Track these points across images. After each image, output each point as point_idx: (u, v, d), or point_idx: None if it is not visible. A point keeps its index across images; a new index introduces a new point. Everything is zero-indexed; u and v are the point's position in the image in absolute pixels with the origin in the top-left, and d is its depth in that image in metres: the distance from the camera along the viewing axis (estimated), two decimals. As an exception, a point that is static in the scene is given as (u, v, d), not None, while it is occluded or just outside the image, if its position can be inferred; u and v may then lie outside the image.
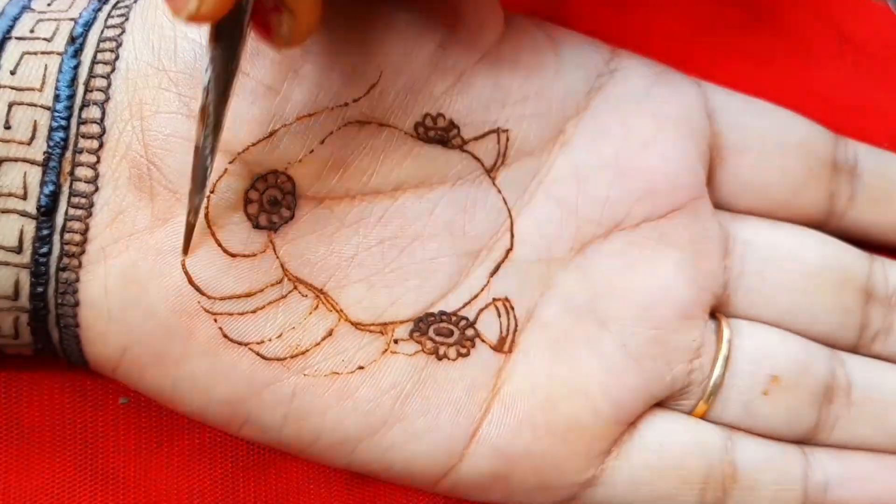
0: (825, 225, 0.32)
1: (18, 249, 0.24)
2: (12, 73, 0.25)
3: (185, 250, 0.25)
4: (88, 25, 0.25)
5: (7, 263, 0.24)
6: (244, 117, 0.24)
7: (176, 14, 0.20)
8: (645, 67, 0.30)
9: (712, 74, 0.32)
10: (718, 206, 0.31)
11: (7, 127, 0.24)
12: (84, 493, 0.28)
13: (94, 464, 0.29)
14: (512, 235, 0.28)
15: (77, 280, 0.25)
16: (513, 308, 0.28)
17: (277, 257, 0.25)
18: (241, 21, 0.22)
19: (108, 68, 0.25)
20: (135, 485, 0.29)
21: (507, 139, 0.28)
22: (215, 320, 0.25)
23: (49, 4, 0.26)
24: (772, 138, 0.31)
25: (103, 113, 0.24)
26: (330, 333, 0.26)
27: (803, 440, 0.30)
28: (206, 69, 0.22)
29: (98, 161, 0.24)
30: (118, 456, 0.29)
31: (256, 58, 0.24)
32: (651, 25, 0.34)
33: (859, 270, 0.31)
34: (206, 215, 0.24)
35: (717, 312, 0.30)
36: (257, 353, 0.25)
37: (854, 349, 0.31)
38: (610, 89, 0.29)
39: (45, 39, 0.25)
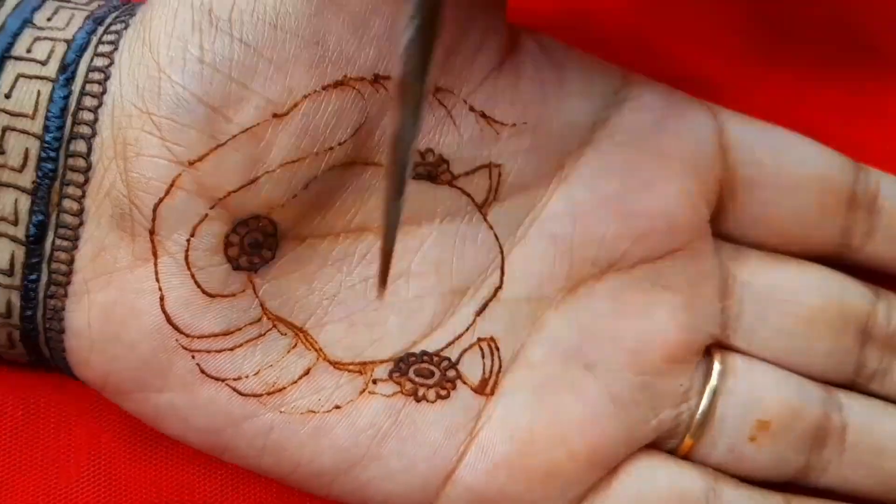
0: (841, 259, 0.31)
1: (10, 272, 0.25)
2: (7, 96, 0.25)
3: (383, 282, 0.20)
4: (81, 51, 0.25)
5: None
6: (226, 163, 0.24)
7: None
8: (657, 98, 0.28)
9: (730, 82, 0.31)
10: (726, 237, 0.30)
11: (2, 152, 0.24)
12: (86, 495, 0.29)
13: (97, 464, 0.29)
14: (502, 273, 0.27)
15: (63, 308, 0.25)
16: (498, 349, 0.27)
17: (257, 297, 0.25)
18: None
19: (95, 101, 0.24)
20: (135, 486, 0.29)
21: (500, 175, 0.27)
22: (193, 357, 0.25)
23: (49, 19, 0.26)
24: (787, 174, 0.30)
25: (89, 148, 0.24)
26: (307, 372, 0.26)
27: (792, 481, 0.30)
28: (406, 28, 0.17)
29: (83, 195, 0.25)
30: (121, 457, 0.29)
31: (240, 104, 0.24)
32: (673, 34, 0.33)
33: (861, 310, 0.30)
34: (186, 258, 0.25)
35: (713, 348, 0.29)
36: (234, 389, 0.25)
37: (851, 387, 0.30)
38: (617, 122, 0.28)
39: (39, 63, 0.25)
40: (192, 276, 0.25)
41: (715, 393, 0.29)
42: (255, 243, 0.25)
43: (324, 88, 0.24)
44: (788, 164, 0.29)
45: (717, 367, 0.29)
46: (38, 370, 0.29)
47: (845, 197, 0.30)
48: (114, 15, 0.26)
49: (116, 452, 0.29)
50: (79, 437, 0.29)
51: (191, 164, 0.24)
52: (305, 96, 0.24)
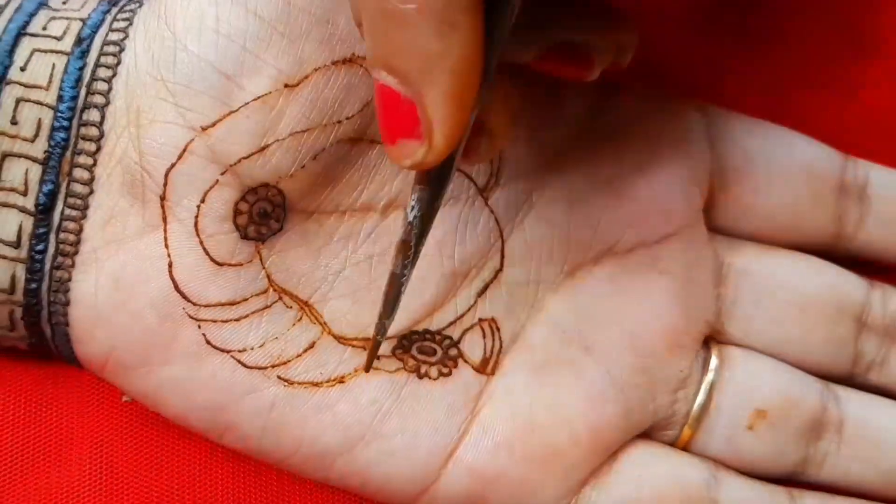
0: (834, 248, 0.31)
1: (17, 244, 0.25)
2: (22, 69, 0.25)
3: (367, 367, 0.26)
4: (96, 27, 0.26)
5: (5, 257, 0.25)
6: (238, 130, 0.24)
7: (397, 161, 0.21)
8: (644, 92, 0.30)
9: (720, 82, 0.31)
10: (720, 230, 0.31)
11: (14, 122, 0.25)
12: (87, 492, 0.29)
13: (98, 462, 0.29)
14: (502, 256, 0.28)
15: (69, 279, 0.25)
16: (499, 329, 0.28)
17: (264, 268, 0.26)
18: (452, 164, 0.22)
19: (109, 72, 0.25)
20: (137, 483, 0.29)
21: (500, 160, 0.28)
22: (199, 326, 0.25)
23: (64, 2, 0.27)
24: (775, 163, 0.30)
25: (102, 117, 0.25)
26: (312, 345, 0.26)
27: (791, 476, 0.30)
28: (412, 206, 0.23)
29: (95, 164, 0.25)
30: (122, 454, 0.29)
31: (253, 73, 0.24)
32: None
33: (856, 300, 0.30)
34: (196, 224, 0.25)
35: (710, 339, 0.30)
36: (238, 361, 0.25)
37: (850, 378, 0.31)
38: (609, 111, 0.29)
39: (55, 38, 0.26)
40: (201, 242, 0.25)
41: (712, 383, 0.29)
42: (263, 213, 0.25)
43: (333, 64, 0.25)
44: (777, 153, 0.30)
45: (714, 357, 0.29)
46: (39, 365, 0.29)
47: (835, 185, 0.31)
48: None
49: (118, 450, 0.29)
50: (80, 434, 0.29)
51: (203, 129, 0.24)
52: (316, 69, 0.25)
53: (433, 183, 0.22)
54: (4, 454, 0.29)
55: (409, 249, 0.24)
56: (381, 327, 0.25)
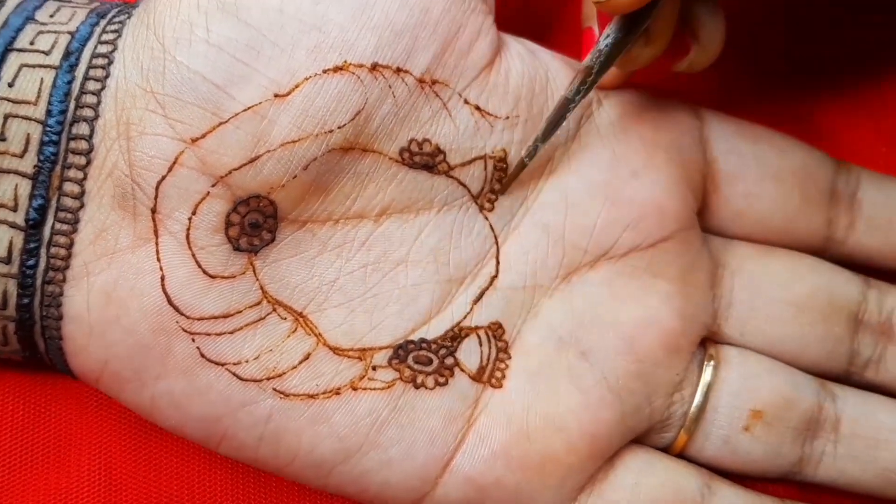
0: (825, 251, 0.31)
1: (7, 260, 0.25)
2: (10, 85, 0.25)
3: (504, 190, 0.28)
4: (84, 40, 0.25)
5: None
6: (228, 141, 0.24)
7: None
8: (637, 94, 0.29)
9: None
10: (713, 231, 0.31)
11: (2, 138, 0.25)
12: (87, 494, 0.29)
13: (98, 464, 0.29)
14: (497, 262, 0.28)
15: (61, 294, 0.25)
16: (495, 336, 0.27)
17: (257, 279, 0.26)
18: (642, 21, 0.25)
19: (98, 85, 0.25)
20: (136, 485, 0.29)
21: (492, 166, 0.27)
22: (193, 340, 0.25)
23: (51, 16, 0.26)
24: (767, 166, 0.30)
25: (92, 130, 0.25)
26: (307, 357, 0.26)
27: (787, 475, 0.30)
28: (607, 35, 0.26)
29: (85, 178, 0.25)
30: (121, 457, 0.29)
31: (243, 82, 0.24)
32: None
33: (851, 298, 0.30)
34: (187, 236, 0.25)
35: (706, 339, 0.30)
36: (233, 374, 0.25)
37: (847, 376, 0.31)
38: (601, 116, 0.29)
39: (43, 52, 0.25)
40: (193, 255, 0.25)
41: (709, 384, 0.29)
42: (255, 224, 0.25)
43: (324, 72, 0.25)
44: (769, 155, 0.30)
45: (710, 358, 0.29)
46: (39, 370, 0.29)
47: (827, 189, 0.31)
48: (116, 9, 0.27)
49: (117, 452, 0.29)
50: (79, 436, 0.29)
51: (193, 141, 0.24)
52: (307, 78, 0.24)
53: (628, 25, 0.25)
54: (4, 457, 0.29)
55: (590, 76, 0.26)
56: (533, 150, 0.27)
